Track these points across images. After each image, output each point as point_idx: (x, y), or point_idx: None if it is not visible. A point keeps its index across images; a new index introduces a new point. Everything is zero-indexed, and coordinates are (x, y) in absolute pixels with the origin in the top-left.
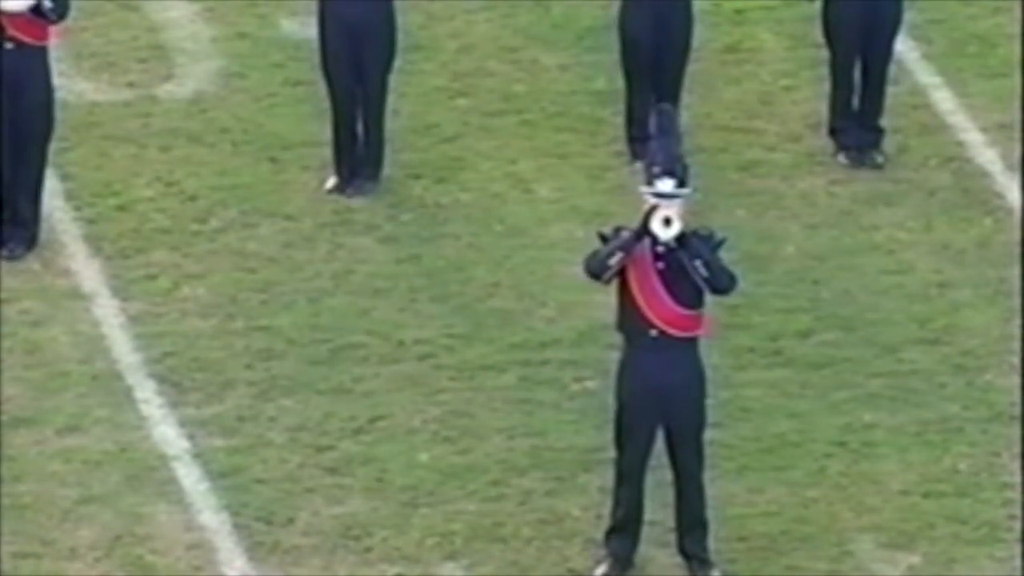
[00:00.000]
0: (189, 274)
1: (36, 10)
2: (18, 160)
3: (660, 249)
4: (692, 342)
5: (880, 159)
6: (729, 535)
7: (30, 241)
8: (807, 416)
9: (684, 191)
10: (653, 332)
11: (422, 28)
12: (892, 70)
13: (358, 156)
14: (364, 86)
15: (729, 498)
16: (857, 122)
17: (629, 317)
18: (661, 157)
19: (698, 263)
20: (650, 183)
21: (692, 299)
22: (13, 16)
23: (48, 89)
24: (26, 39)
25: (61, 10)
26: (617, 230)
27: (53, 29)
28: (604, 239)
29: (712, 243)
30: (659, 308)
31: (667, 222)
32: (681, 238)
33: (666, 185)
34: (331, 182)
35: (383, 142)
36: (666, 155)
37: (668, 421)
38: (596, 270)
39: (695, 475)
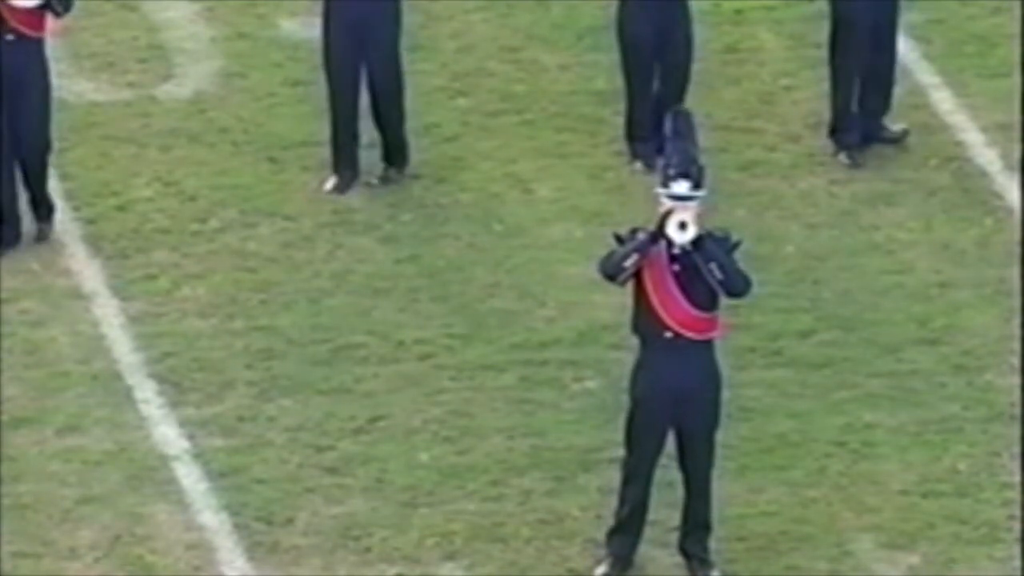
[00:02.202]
0: (189, 274)
1: (42, 4)
2: (19, 152)
3: (676, 251)
4: (707, 344)
5: (896, 130)
6: (729, 535)
7: (48, 212)
8: (807, 416)
9: (699, 193)
10: (668, 334)
11: (422, 28)
12: None
13: (358, 156)
14: (373, 86)
15: (729, 498)
16: (861, 121)
17: (644, 319)
18: (676, 159)
19: (713, 266)
20: (665, 185)
21: (707, 301)
22: (16, 9)
23: (47, 80)
24: (27, 31)
25: (67, 3)
26: (633, 232)
27: (51, 22)
28: (620, 240)
29: (727, 245)
30: (674, 310)
31: (683, 226)
32: (696, 241)
33: (681, 187)
34: (331, 183)
35: (404, 136)
36: (681, 157)
37: (681, 423)
38: (611, 272)
39: (704, 477)
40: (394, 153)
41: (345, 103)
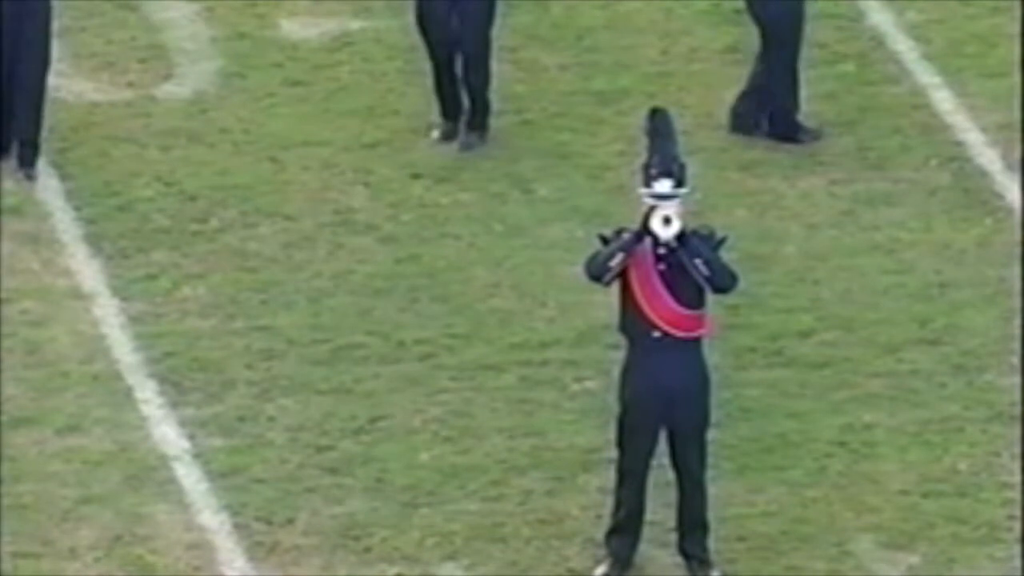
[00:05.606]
0: (189, 274)
1: None
2: (19, 59)
3: (661, 250)
4: (695, 342)
5: None
6: (729, 535)
7: (33, 155)
8: (807, 416)
9: (682, 191)
10: (656, 333)
11: None
12: (892, 70)
13: (462, 102)
14: (462, 45)
15: (729, 498)
16: None
17: (631, 318)
18: (657, 159)
19: (699, 262)
20: (647, 184)
21: (694, 299)
22: None
23: (48, 6)
24: None
25: None
26: (618, 232)
27: None
28: (605, 241)
29: (712, 242)
30: (661, 309)
31: (667, 221)
32: (681, 237)
33: (663, 186)
34: (437, 132)
35: (489, 99)
36: (662, 156)
37: (671, 422)
38: (597, 272)
39: (697, 476)
40: (478, 116)
41: (441, 50)
